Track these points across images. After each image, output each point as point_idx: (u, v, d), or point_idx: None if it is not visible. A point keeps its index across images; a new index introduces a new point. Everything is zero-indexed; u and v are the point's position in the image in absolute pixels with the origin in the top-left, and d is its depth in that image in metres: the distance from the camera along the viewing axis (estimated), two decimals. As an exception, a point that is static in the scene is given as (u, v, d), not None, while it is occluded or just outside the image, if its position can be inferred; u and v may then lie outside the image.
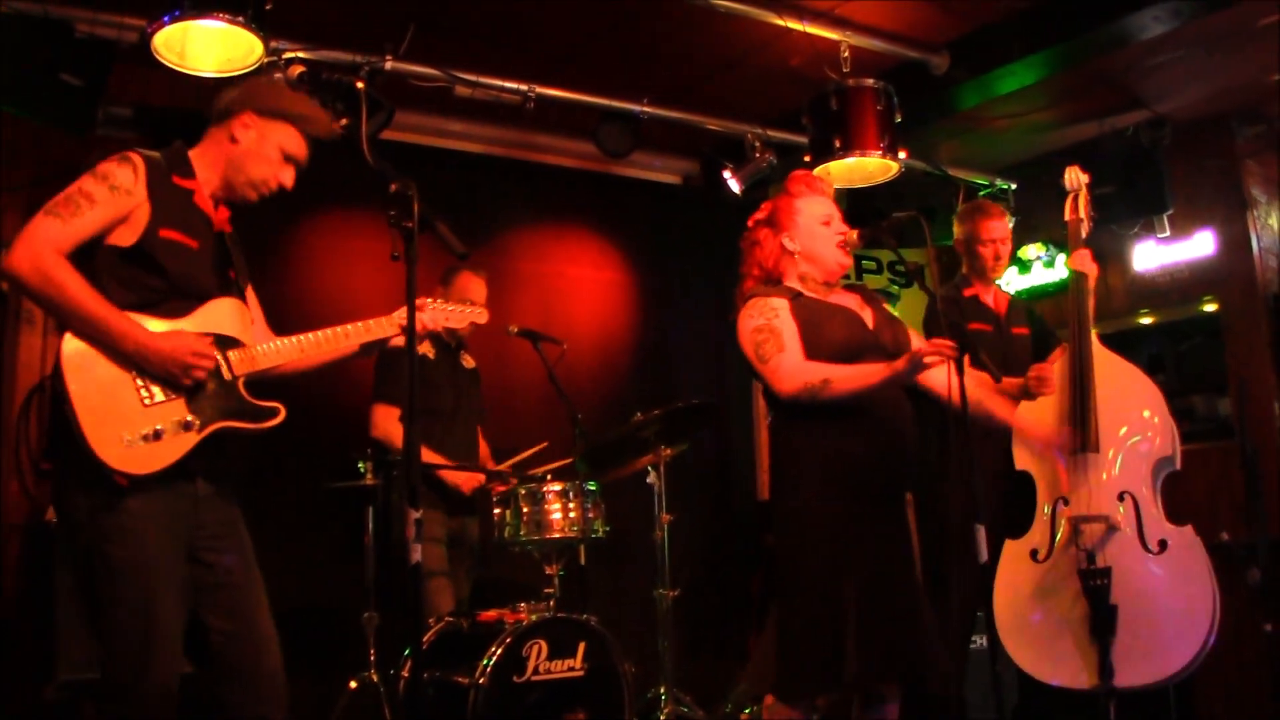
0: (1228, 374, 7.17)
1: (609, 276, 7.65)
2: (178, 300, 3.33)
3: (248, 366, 3.42)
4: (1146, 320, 7.73)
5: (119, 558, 3.14)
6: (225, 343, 3.40)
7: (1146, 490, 4.69)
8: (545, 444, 5.71)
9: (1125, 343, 7.70)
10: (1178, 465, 4.77)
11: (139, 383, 3.21)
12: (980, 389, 4.04)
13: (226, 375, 3.38)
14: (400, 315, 3.61)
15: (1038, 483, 4.86)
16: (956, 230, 5.51)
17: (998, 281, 5.53)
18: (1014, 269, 7.99)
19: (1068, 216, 5.27)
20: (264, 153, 3.51)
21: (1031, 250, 7.82)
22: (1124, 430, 4.81)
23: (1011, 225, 7.42)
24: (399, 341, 3.65)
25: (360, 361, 5.76)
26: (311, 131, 3.60)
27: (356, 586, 5.55)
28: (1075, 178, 5.30)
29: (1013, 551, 4.70)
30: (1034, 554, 4.72)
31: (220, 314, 3.43)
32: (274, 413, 3.46)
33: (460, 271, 5.80)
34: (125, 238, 3.25)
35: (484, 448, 6.04)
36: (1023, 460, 4.87)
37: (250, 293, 3.64)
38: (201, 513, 3.33)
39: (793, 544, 3.81)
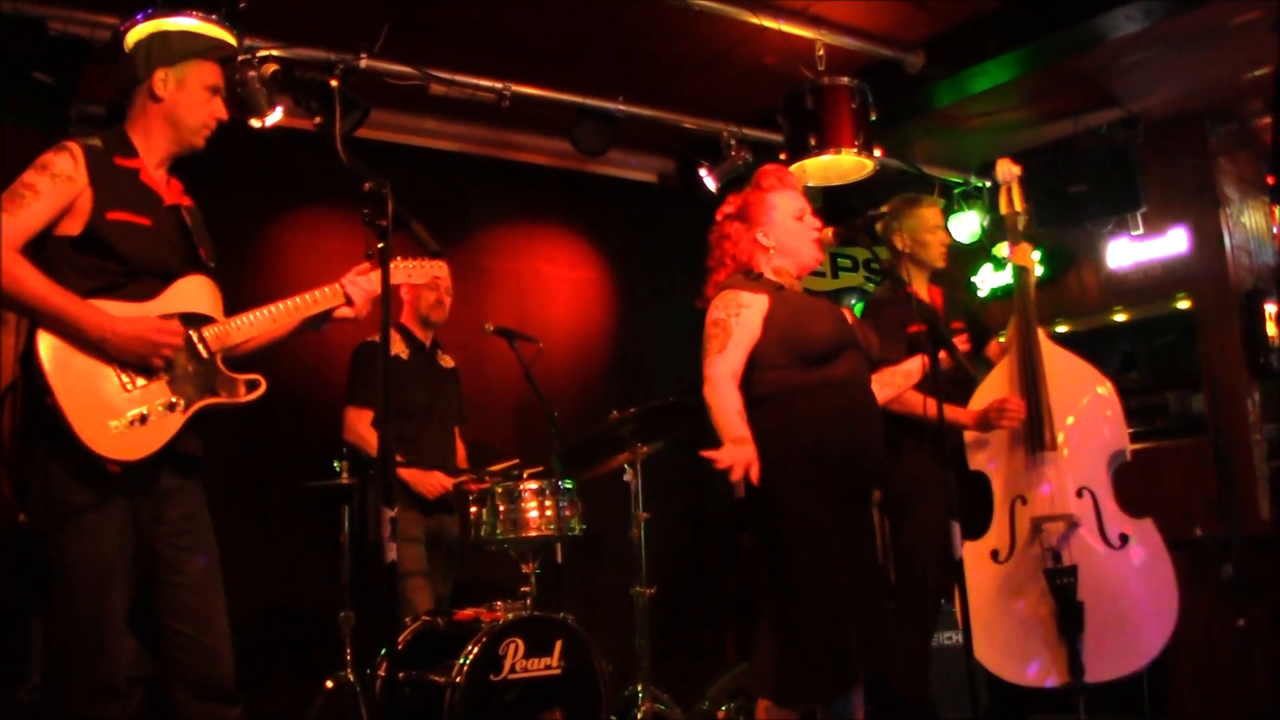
0: (1201, 370, 7.22)
1: (585, 275, 7.65)
2: (142, 281, 3.33)
3: (223, 342, 3.43)
4: (1120, 317, 7.77)
5: (74, 553, 3.15)
6: (198, 320, 3.41)
7: (1103, 484, 4.74)
8: (516, 461, 5.71)
9: (1099, 340, 7.76)
10: (1129, 456, 4.82)
11: (118, 370, 3.22)
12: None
13: (204, 353, 3.39)
14: (356, 276, 3.65)
15: (993, 483, 4.88)
16: (894, 226, 5.29)
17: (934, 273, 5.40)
18: (988, 266, 8.02)
19: (1003, 210, 5.27)
20: (190, 97, 3.49)
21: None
22: (1078, 425, 4.84)
23: (986, 222, 7.49)
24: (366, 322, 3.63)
25: (338, 355, 5.83)
26: (220, 55, 3.61)
27: (333, 586, 5.54)
28: (1007, 170, 5.28)
29: (972, 553, 4.71)
30: (994, 555, 4.74)
31: (190, 292, 3.43)
32: (255, 385, 3.47)
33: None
34: (73, 226, 3.25)
35: (461, 450, 6.04)
36: (977, 461, 4.88)
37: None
38: (165, 508, 3.32)
39: (780, 542, 3.76)
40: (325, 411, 5.95)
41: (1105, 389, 4.93)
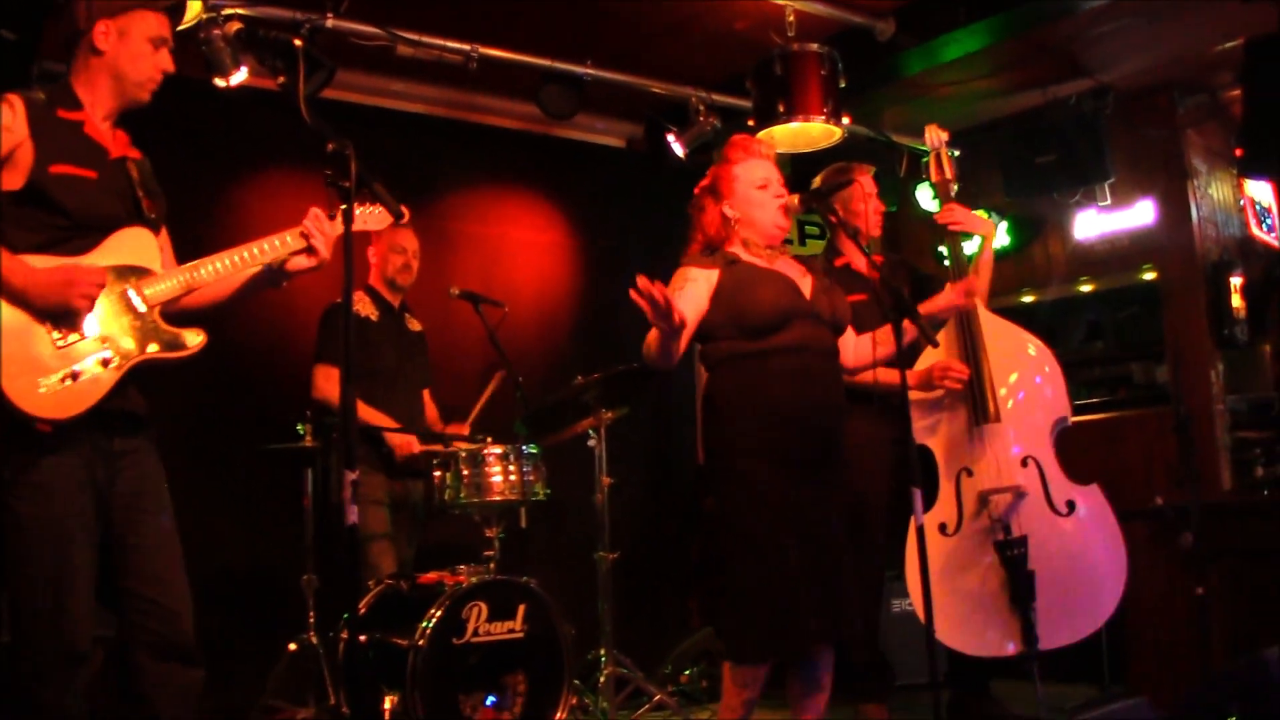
0: (1165, 341, 7.28)
1: (551, 239, 7.65)
2: (86, 235, 3.29)
3: (162, 296, 3.38)
4: (1087, 288, 7.83)
5: (28, 515, 3.14)
6: (135, 273, 3.36)
7: (1047, 451, 4.78)
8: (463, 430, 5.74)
9: (1065, 310, 7.84)
10: (1069, 421, 4.86)
11: (50, 327, 3.18)
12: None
13: (141, 306, 3.34)
14: (308, 221, 3.56)
15: (938, 456, 4.90)
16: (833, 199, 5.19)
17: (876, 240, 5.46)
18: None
19: (934, 178, 5.26)
20: (132, 49, 3.43)
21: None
22: (1020, 394, 4.88)
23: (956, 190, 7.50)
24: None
25: (303, 321, 5.82)
26: (165, 5, 3.53)
27: (296, 549, 5.56)
28: (935, 136, 5.27)
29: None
30: (942, 528, 4.77)
31: (128, 244, 3.38)
32: (195, 338, 3.42)
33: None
34: (13, 180, 3.21)
35: (432, 410, 6.05)
36: (921, 434, 4.91)
37: (164, 234, 3.58)
38: (118, 470, 3.30)
39: (731, 504, 3.87)
40: (290, 373, 5.95)
41: (1044, 356, 4.96)
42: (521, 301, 7.01)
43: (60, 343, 3.18)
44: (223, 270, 3.47)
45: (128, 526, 3.31)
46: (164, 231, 3.59)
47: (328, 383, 5.61)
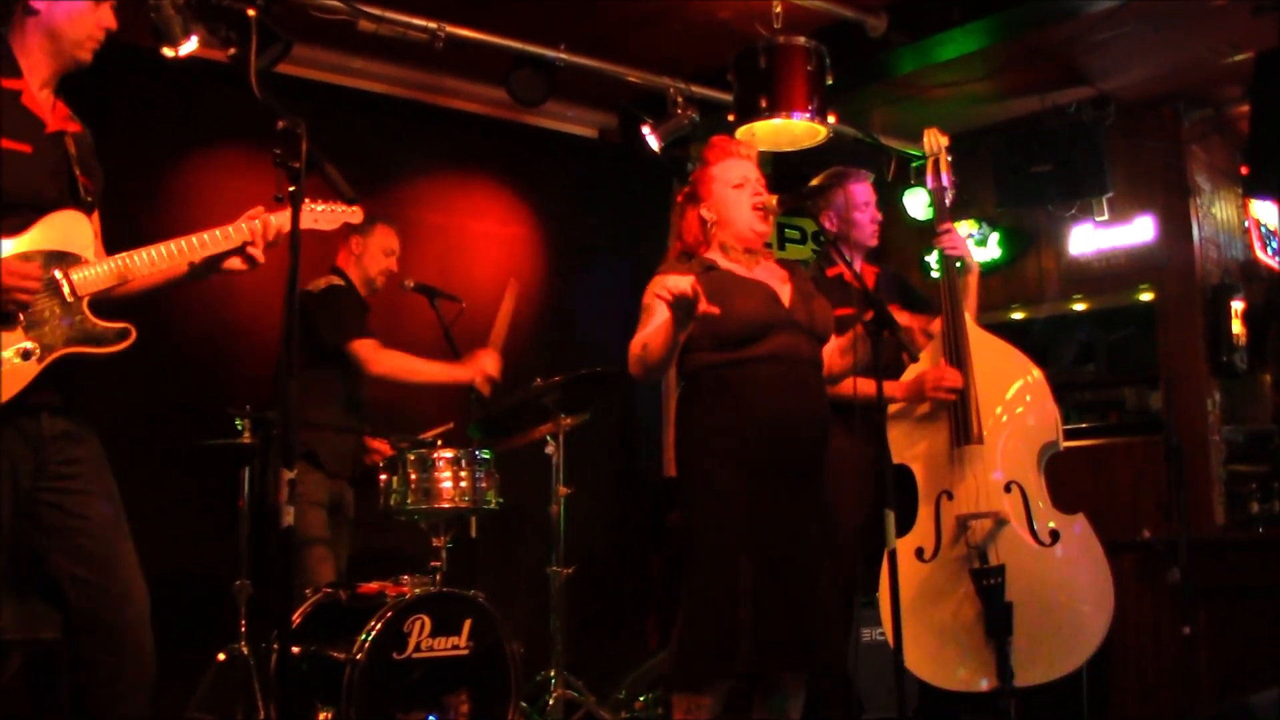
0: (1160, 366, 7.33)
1: (515, 232, 7.65)
2: (18, 214, 3.25)
3: (92, 286, 3.33)
4: (1080, 306, 7.88)
5: None
6: (65, 259, 3.32)
7: (1032, 478, 4.77)
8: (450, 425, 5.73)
9: (1056, 329, 7.89)
10: (1060, 447, 4.87)
11: None
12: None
13: (69, 296, 3.30)
14: (247, 223, 3.51)
15: (918, 477, 4.90)
16: (821, 205, 5.32)
17: (869, 251, 5.45)
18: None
19: (930, 185, 5.28)
20: (71, 4, 3.37)
21: (964, 227, 7.87)
22: (1005, 417, 4.89)
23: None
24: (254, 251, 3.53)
25: (243, 306, 5.80)
26: None
27: (229, 552, 5.53)
28: (934, 141, 5.28)
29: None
30: (919, 553, 4.77)
31: (61, 228, 3.34)
32: (124, 334, 3.38)
33: (377, 223, 5.82)
34: None
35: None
36: (901, 453, 4.92)
37: (96, 215, 3.53)
38: (47, 452, 3.27)
39: (693, 520, 3.90)
40: (228, 363, 5.94)
41: (1034, 376, 4.97)
42: (480, 297, 6.98)
43: None
44: (157, 260, 3.43)
45: (62, 511, 3.27)
46: (95, 213, 3.54)
47: (377, 355, 5.56)
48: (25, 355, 3.21)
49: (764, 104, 5.83)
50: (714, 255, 4.07)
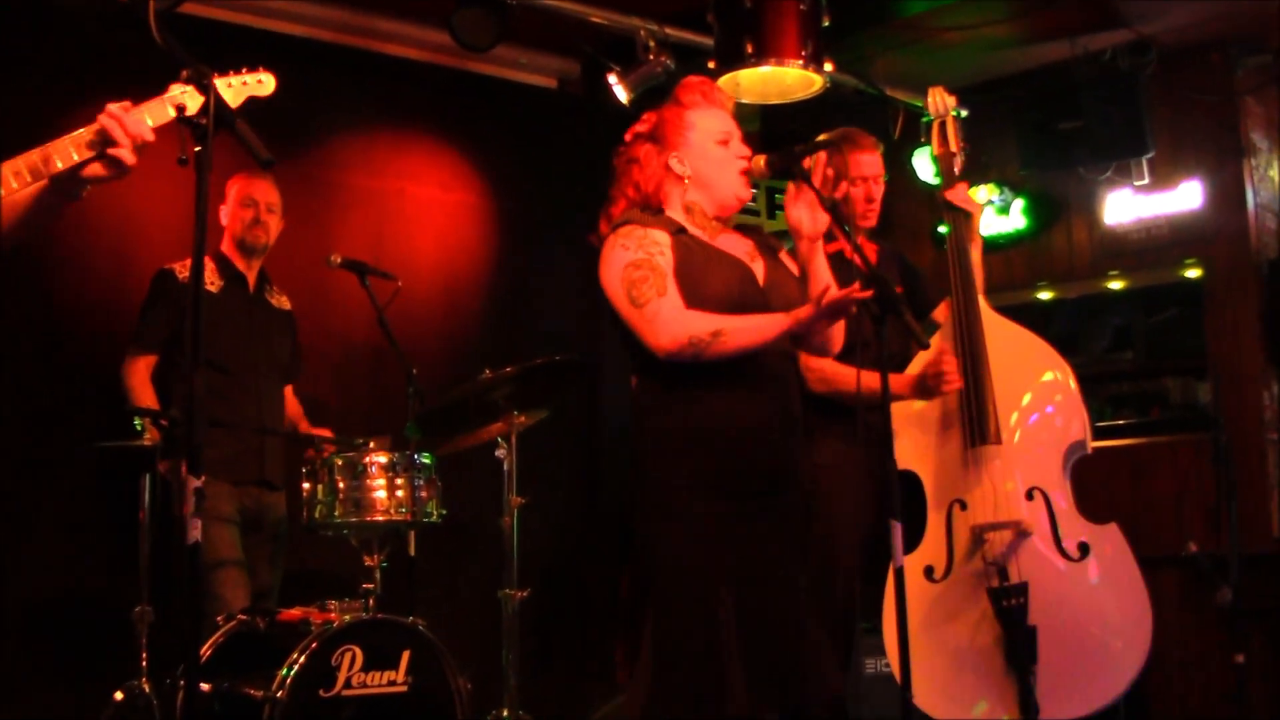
0: (1208, 353, 7.36)
1: (461, 199, 7.64)
2: None
3: None
4: (1115, 285, 7.90)
5: None
6: None
7: (1057, 483, 4.78)
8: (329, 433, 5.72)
9: (1088, 311, 7.91)
10: (1089, 449, 4.88)
11: None
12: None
13: None
14: (101, 121, 3.30)
15: (925, 484, 4.90)
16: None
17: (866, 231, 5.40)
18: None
19: (936, 151, 5.28)
20: None
21: (982, 193, 7.86)
22: (1028, 413, 4.90)
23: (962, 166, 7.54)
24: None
25: (140, 287, 5.76)
26: None
27: (128, 573, 5.50)
28: (940, 101, 5.29)
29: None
30: (928, 572, 4.78)
31: None
32: None
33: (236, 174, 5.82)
34: None
35: (294, 406, 6.03)
36: (907, 458, 4.92)
37: None
38: None
39: (661, 546, 3.84)
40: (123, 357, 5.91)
41: (1060, 369, 4.98)
42: (420, 274, 7.00)
43: None
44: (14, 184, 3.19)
45: None
46: None
47: (133, 378, 5.56)
48: None
49: (750, 49, 5.83)
50: (675, 214, 3.99)
